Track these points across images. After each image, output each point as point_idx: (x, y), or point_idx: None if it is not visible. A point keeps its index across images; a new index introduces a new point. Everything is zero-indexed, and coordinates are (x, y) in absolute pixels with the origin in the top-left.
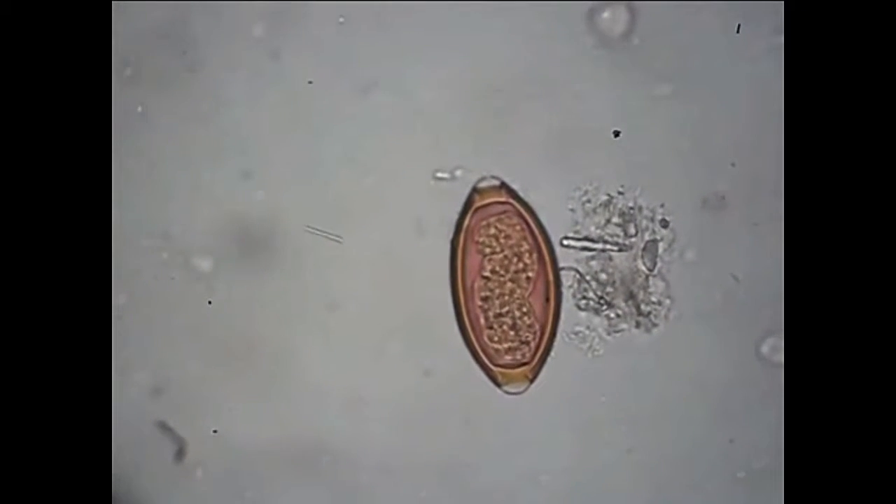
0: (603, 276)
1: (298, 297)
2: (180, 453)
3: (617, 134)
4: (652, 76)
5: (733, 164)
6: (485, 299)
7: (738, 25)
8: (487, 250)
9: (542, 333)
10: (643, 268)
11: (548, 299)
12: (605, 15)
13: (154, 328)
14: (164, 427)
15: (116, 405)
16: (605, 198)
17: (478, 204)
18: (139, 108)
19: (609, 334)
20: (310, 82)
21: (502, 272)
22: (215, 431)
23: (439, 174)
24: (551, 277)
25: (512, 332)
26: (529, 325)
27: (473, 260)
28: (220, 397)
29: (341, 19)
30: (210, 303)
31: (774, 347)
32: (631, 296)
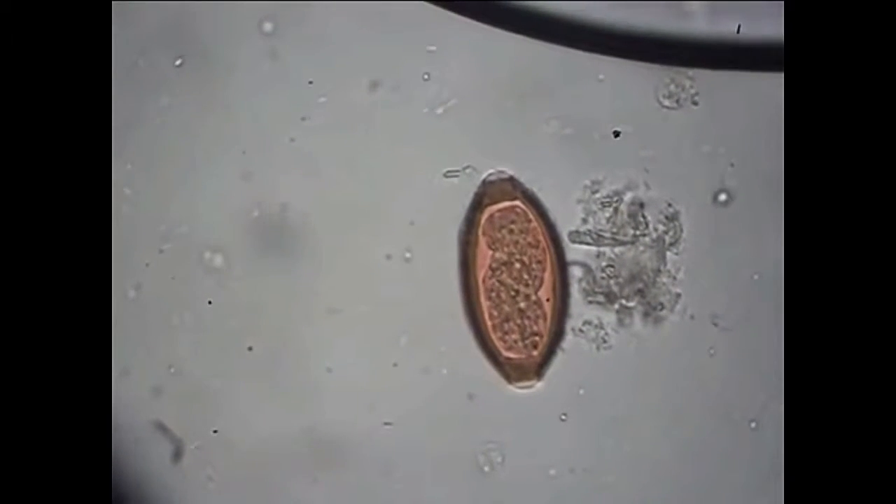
0: (611, 271)
1: (302, 297)
2: (177, 454)
3: (617, 134)
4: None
5: (732, 165)
6: (494, 294)
7: (739, 25)
8: (496, 245)
9: (551, 328)
10: (651, 262)
11: (548, 299)
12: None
13: (154, 328)
14: (161, 427)
15: (117, 405)
16: (613, 193)
17: (487, 199)
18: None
19: (617, 329)
20: (310, 82)
21: (511, 266)
22: (215, 431)
23: (449, 170)
24: (558, 271)
25: (521, 327)
26: (538, 319)
27: (483, 255)
28: (221, 397)
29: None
30: (210, 303)
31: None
32: (639, 290)
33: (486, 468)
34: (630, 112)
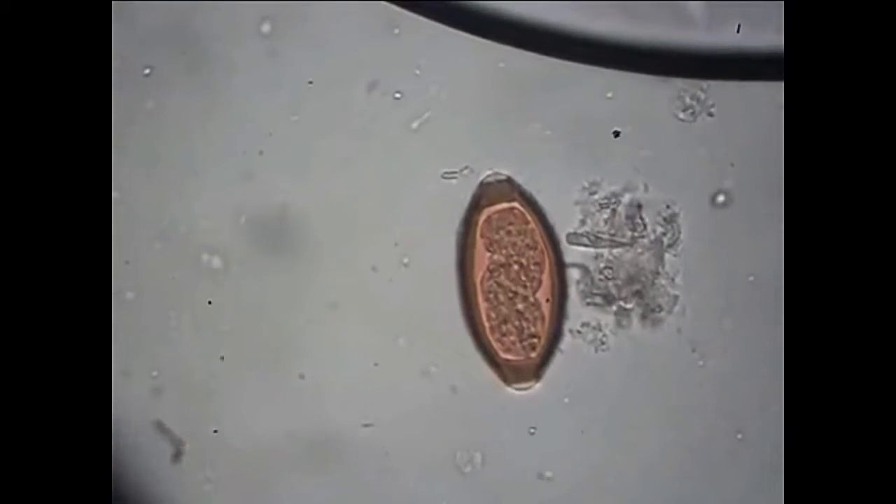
0: (609, 272)
1: (300, 298)
2: (178, 454)
3: (617, 134)
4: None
5: (732, 165)
6: (492, 295)
7: (738, 25)
8: (494, 247)
9: (549, 330)
10: (649, 264)
11: (548, 299)
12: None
13: (154, 329)
14: (161, 427)
15: (117, 405)
16: (611, 195)
17: (485, 201)
18: None
19: (615, 331)
20: (310, 83)
21: (509, 268)
22: (216, 431)
23: (447, 171)
24: (556, 273)
25: (519, 329)
26: (536, 321)
27: (480, 256)
28: (220, 397)
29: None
30: (210, 303)
31: (776, 342)
32: (637, 292)
33: (467, 469)
34: (629, 116)
